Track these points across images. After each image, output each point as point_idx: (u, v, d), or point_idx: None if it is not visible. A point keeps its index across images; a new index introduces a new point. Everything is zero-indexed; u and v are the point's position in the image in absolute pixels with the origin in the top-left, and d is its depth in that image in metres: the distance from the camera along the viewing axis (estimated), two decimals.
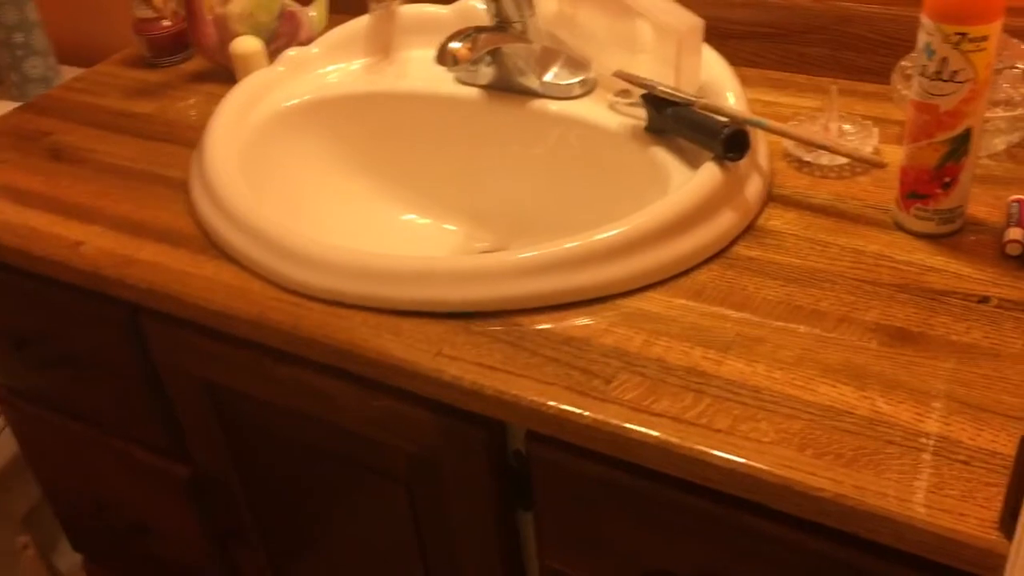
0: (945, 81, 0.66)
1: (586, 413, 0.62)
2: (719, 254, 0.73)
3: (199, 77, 1.09)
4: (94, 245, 0.83)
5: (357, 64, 0.99)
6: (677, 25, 0.78)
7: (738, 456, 0.57)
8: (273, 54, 1.00)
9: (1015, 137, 0.79)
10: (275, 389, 0.80)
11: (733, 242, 0.74)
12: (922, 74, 0.67)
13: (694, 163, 0.78)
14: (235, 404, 0.85)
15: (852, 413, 0.59)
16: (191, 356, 0.84)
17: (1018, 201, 0.72)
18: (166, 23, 1.10)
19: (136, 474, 1.02)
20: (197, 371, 0.85)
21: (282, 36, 1.04)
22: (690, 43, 0.80)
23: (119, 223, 0.85)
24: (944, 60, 0.65)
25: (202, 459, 0.94)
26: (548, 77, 0.89)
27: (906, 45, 0.88)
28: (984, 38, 0.64)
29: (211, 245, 0.81)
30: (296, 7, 1.05)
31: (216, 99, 1.02)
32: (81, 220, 0.86)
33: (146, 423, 0.95)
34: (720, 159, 0.74)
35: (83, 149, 0.98)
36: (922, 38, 0.66)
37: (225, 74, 1.04)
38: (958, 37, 0.64)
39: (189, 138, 0.96)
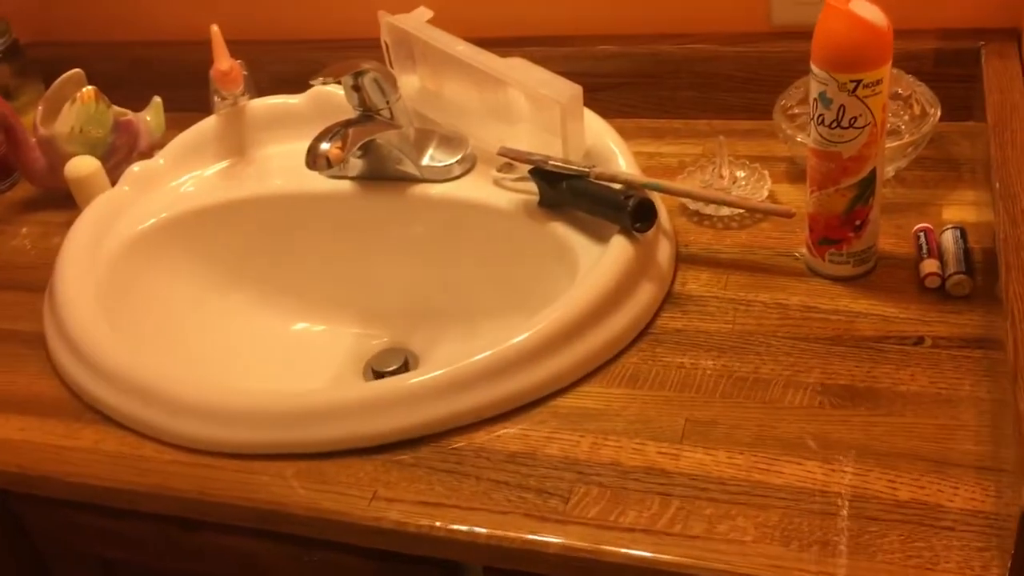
0: (845, 128, 0.65)
1: (552, 540, 0.57)
2: (644, 331, 0.70)
3: (30, 206, 0.98)
4: None
5: (212, 170, 0.91)
6: (557, 97, 0.75)
7: (721, 564, 0.54)
8: (114, 170, 0.91)
9: (902, 163, 0.79)
10: (188, 558, 0.71)
11: (656, 315, 0.71)
12: (820, 123, 0.66)
13: (596, 235, 0.74)
14: None
15: (825, 491, 0.56)
16: (81, 536, 0.74)
17: (924, 230, 0.72)
18: None
19: None
20: (91, 550, 0.75)
21: (120, 149, 0.94)
22: (572, 112, 0.76)
23: None
24: (842, 108, 0.64)
25: None
26: (425, 160, 0.84)
27: (776, 79, 0.87)
28: (878, 81, 0.63)
29: (85, 408, 0.71)
30: (130, 115, 0.96)
31: (53, 228, 0.92)
32: None
33: None
34: (628, 231, 0.71)
35: None
36: (815, 87, 0.65)
37: (59, 198, 0.93)
38: (853, 84, 0.63)
39: (31, 280, 0.86)
